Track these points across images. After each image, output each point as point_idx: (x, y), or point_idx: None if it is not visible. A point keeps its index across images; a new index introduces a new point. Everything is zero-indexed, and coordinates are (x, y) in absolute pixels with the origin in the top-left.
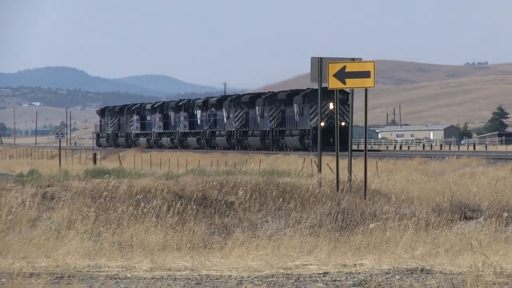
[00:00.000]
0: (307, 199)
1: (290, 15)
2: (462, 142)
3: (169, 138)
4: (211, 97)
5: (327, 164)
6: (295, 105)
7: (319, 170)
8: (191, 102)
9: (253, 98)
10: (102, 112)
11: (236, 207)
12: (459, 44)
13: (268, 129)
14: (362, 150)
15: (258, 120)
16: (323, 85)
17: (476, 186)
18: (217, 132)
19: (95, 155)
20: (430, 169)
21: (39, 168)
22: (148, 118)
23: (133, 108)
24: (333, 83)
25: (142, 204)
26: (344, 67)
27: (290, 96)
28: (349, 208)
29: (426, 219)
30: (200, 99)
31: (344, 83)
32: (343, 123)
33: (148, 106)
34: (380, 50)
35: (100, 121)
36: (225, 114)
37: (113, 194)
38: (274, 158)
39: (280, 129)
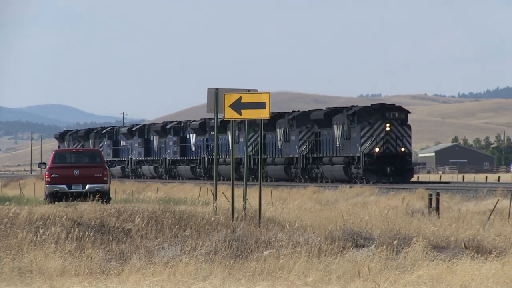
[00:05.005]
0: (202, 226)
1: (188, 46)
2: None
3: (152, 167)
4: (211, 119)
5: (223, 192)
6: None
7: (215, 198)
8: (182, 124)
9: (274, 119)
10: (61, 137)
11: (133, 234)
12: (353, 76)
13: (298, 155)
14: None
15: (279, 144)
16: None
17: (368, 215)
18: (221, 160)
19: None
20: (324, 198)
21: None
22: (123, 143)
23: (103, 132)
24: (229, 114)
25: (42, 231)
26: (240, 98)
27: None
28: (244, 236)
29: (319, 246)
30: (195, 121)
31: (240, 113)
32: (402, 149)
33: (124, 130)
34: (277, 82)
35: (59, 147)
36: (229, 138)
37: (14, 221)
38: (170, 186)
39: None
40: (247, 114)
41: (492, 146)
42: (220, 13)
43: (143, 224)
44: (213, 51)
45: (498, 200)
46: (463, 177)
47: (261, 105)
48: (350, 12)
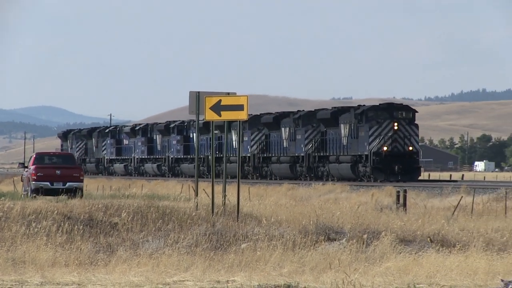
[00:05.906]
0: (184, 221)
1: (171, 51)
2: None
3: (155, 165)
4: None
5: (204, 189)
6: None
7: (196, 194)
8: (185, 123)
9: (278, 118)
10: (64, 136)
11: (119, 227)
12: (325, 80)
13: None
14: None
15: (285, 143)
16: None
17: (340, 210)
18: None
19: None
20: (298, 194)
21: None
22: (126, 142)
23: (106, 131)
24: (210, 115)
25: (34, 224)
26: (220, 100)
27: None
28: (223, 230)
29: (293, 240)
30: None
31: (220, 115)
32: (410, 148)
33: (127, 129)
34: (252, 86)
35: (62, 145)
36: (234, 137)
37: (8, 215)
38: (154, 183)
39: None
40: (227, 115)
41: (456, 146)
42: (201, 19)
43: (129, 219)
44: (195, 55)
45: (462, 197)
46: (429, 175)
47: (239, 107)
48: (322, 18)
